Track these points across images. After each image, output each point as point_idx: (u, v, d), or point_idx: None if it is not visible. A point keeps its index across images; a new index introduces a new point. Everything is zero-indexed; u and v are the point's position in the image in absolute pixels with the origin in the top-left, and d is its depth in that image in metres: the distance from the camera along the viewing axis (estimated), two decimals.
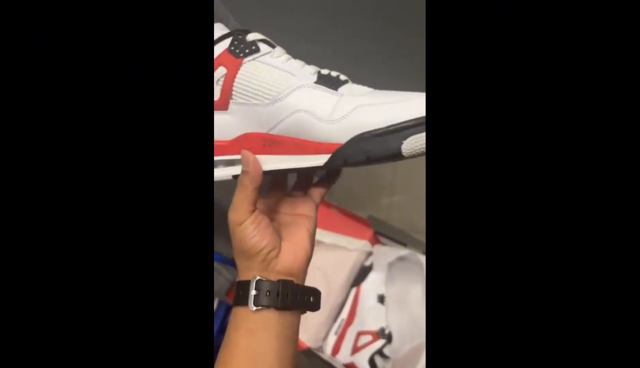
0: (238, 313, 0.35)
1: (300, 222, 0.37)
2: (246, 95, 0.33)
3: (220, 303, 0.86)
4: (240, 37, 0.34)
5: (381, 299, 0.78)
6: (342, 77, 0.35)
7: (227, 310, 0.85)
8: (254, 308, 0.33)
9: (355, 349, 0.75)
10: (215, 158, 0.36)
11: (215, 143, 0.35)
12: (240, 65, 0.33)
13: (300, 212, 0.38)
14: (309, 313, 0.37)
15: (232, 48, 0.34)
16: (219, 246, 0.85)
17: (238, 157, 0.35)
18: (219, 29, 0.36)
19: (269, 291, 0.34)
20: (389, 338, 0.74)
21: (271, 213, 0.38)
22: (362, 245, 0.82)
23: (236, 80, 0.33)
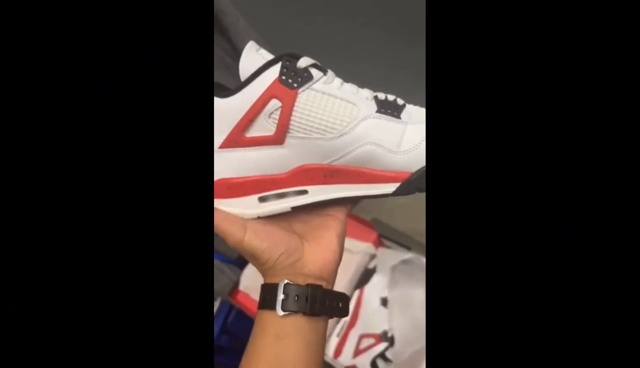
0: (264, 317, 0.34)
1: (329, 223, 0.36)
2: (306, 130, 0.32)
3: (222, 303, 0.86)
4: (289, 63, 0.32)
5: (384, 302, 0.78)
6: (400, 101, 0.35)
7: (229, 310, 0.85)
8: (282, 313, 0.33)
9: (358, 352, 0.75)
10: (271, 192, 0.34)
11: (269, 177, 0.34)
12: (295, 96, 0.31)
13: (329, 212, 0.37)
14: None
15: (284, 78, 0.31)
16: (221, 246, 0.85)
17: (294, 189, 0.34)
18: (254, 51, 0.33)
19: (297, 296, 0.33)
20: (391, 341, 0.74)
21: (297, 214, 0.37)
22: (366, 247, 0.81)
23: (293, 114, 0.32)
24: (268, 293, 0.34)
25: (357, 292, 0.80)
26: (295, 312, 0.33)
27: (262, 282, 0.36)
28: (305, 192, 0.35)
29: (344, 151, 0.33)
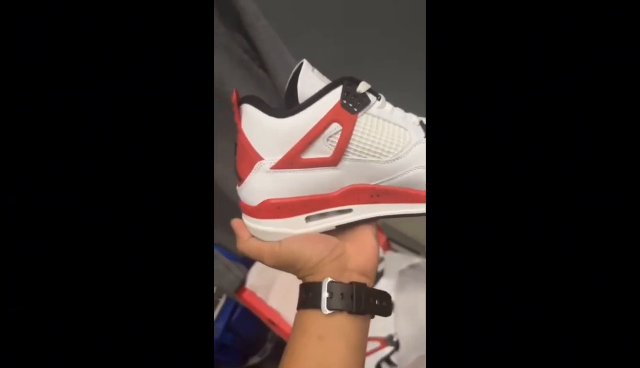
0: (306, 317, 0.33)
1: (363, 225, 0.36)
2: (362, 152, 0.33)
3: (227, 300, 0.85)
4: (349, 87, 0.32)
5: None
6: None
7: (234, 308, 0.85)
8: (327, 311, 0.32)
9: None
10: (318, 212, 0.35)
11: (319, 197, 0.34)
12: (355, 121, 0.32)
13: None
14: None
15: (345, 102, 0.32)
16: (230, 243, 0.85)
17: (344, 207, 0.35)
18: (310, 71, 0.34)
19: (342, 294, 0.32)
20: (396, 345, 0.74)
21: None
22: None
23: (352, 137, 0.32)
24: (310, 291, 0.33)
25: None
26: (340, 310, 0.32)
27: (298, 283, 0.35)
28: (350, 210, 0.35)
29: (397, 173, 0.34)
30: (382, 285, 0.79)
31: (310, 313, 0.33)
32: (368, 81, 0.34)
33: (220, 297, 0.85)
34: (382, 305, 0.34)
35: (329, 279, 0.33)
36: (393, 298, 0.78)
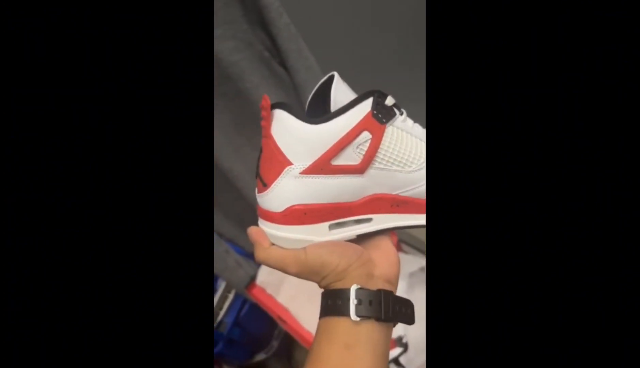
0: (332, 324, 0.32)
1: (380, 234, 0.36)
2: (388, 162, 0.34)
3: (236, 296, 0.86)
4: (379, 99, 0.34)
5: None
6: None
7: (243, 304, 0.85)
8: (357, 318, 0.31)
9: None
10: (339, 220, 0.35)
11: (344, 204, 0.35)
12: (384, 131, 0.33)
13: None
14: None
15: (376, 112, 0.33)
16: (242, 239, 0.86)
17: (364, 217, 0.35)
18: (342, 82, 0.35)
19: (371, 301, 0.32)
20: (405, 347, 0.74)
21: None
22: None
23: (380, 147, 0.33)
24: (338, 298, 0.32)
25: None
26: (369, 317, 0.32)
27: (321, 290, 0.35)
28: (370, 219, 0.36)
29: (417, 184, 0.35)
30: None
31: (337, 321, 0.32)
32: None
33: (230, 292, 0.85)
34: (407, 312, 0.34)
35: (357, 286, 0.32)
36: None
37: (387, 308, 0.32)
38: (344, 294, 0.32)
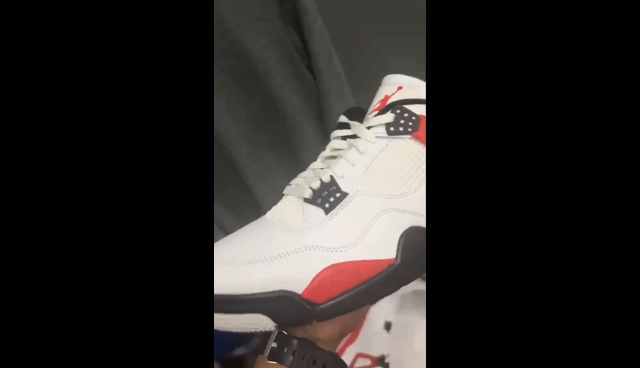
0: (260, 359, 0.33)
1: None
2: None
3: None
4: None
5: (388, 326, 0.77)
6: None
7: None
8: (269, 361, 0.32)
9: None
10: None
11: None
12: None
13: None
14: None
15: None
16: (229, 224, 0.85)
17: None
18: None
19: (285, 348, 0.32)
20: (386, 367, 0.73)
21: None
22: None
23: None
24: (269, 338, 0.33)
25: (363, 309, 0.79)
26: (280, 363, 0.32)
27: None
28: None
29: None
30: (383, 304, 0.79)
31: (259, 358, 0.33)
32: None
33: None
34: None
35: (279, 330, 0.33)
36: (392, 319, 0.78)
37: (299, 359, 0.32)
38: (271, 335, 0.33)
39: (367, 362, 0.74)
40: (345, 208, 0.33)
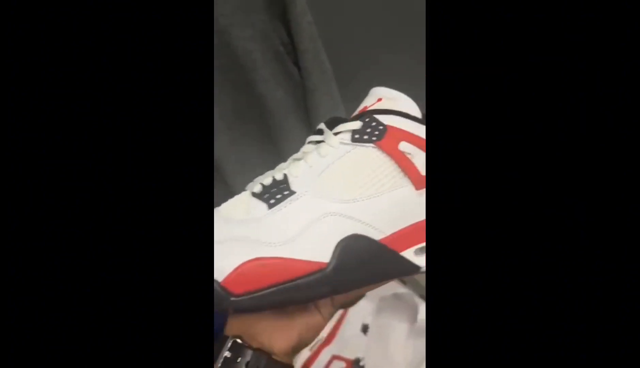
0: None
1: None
2: None
3: None
4: None
5: (365, 329, 0.77)
6: None
7: None
8: None
9: None
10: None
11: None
12: None
13: None
14: None
15: None
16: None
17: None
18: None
19: (239, 358, 0.31)
20: None
21: None
22: None
23: None
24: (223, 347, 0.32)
25: (340, 312, 0.79)
26: None
27: None
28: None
29: None
30: (362, 306, 0.78)
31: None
32: None
33: None
34: None
35: (234, 339, 0.32)
36: (369, 322, 0.77)
37: None
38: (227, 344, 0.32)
39: (342, 365, 0.73)
40: (289, 205, 0.32)
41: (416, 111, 0.35)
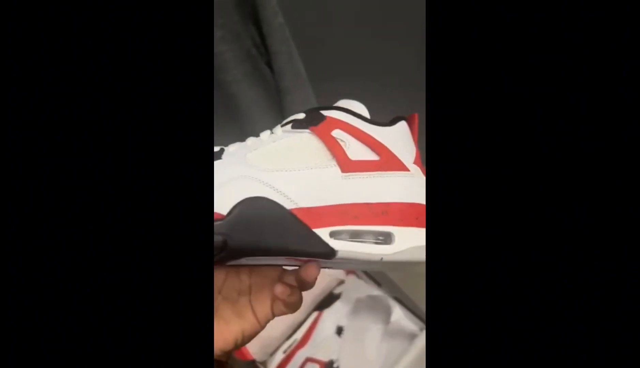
0: None
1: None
2: None
3: None
4: None
5: (339, 331, 0.76)
6: None
7: None
8: None
9: None
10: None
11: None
12: None
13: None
14: None
15: None
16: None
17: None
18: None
19: None
20: None
21: None
22: (336, 272, 0.80)
23: None
24: None
25: (315, 314, 0.78)
26: None
27: None
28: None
29: None
30: (337, 308, 0.78)
31: None
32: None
33: None
34: None
35: None
36: (344, 323, 0.77)
37: None
38: None
39: (316, 367, 0.73)
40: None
41: (364, 112, 0.36)
